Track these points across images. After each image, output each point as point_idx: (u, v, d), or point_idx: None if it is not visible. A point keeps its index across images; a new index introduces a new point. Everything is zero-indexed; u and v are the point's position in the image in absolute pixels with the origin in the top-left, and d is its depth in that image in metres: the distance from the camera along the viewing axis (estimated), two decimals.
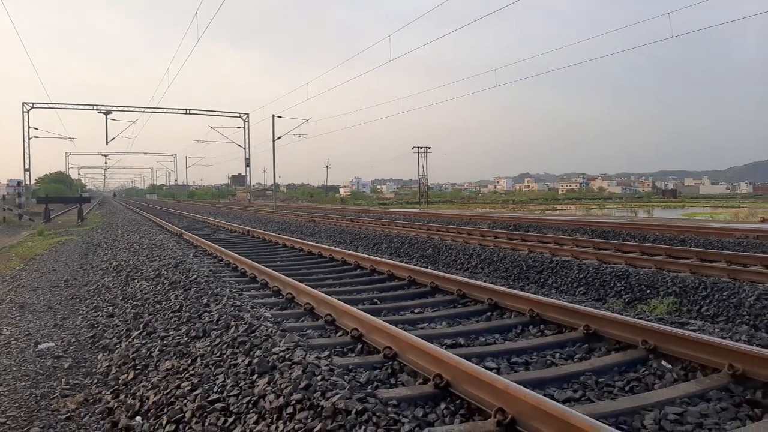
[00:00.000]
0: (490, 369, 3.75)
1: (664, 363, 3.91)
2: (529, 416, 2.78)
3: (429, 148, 69.87)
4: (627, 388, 3.58)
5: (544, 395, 3.09)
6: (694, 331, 4.71)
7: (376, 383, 3.67)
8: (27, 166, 50.19)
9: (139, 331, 5.89)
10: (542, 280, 10.20)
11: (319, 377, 3.43)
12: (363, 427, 2.81)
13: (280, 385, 3.44)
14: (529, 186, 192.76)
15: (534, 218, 23.70)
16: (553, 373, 3.82)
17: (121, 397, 4.38)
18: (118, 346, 5.82)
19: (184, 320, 5.75)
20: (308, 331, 5.02)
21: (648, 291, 8.48)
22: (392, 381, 3.75)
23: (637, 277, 8.91)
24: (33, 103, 50.30)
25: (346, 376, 3.60)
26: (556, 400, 3.17)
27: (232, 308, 5.62)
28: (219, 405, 3.53)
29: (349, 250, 11.55)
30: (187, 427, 3.46)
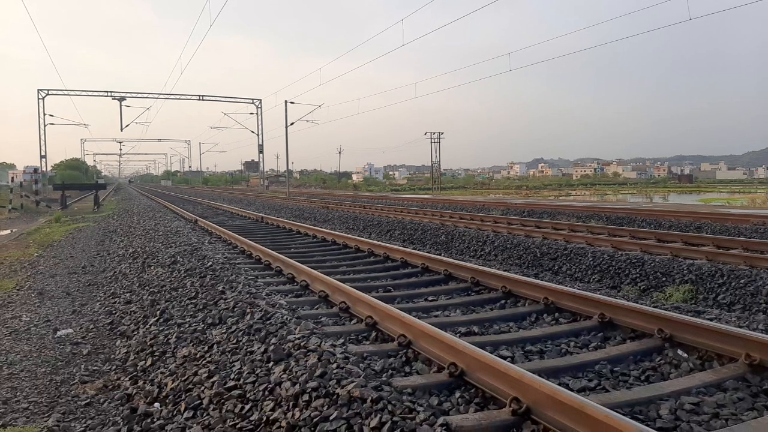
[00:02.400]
0: (505, 357, 3.76)
1: (680, 352, 3.90)
2: (544, 405, 2.79)
3: (442, 133, 69.52)
4: (642, 378, 3.57)
5: (559, 384, 3.10)
6: (711, 319, 4.68)
7: (390, 371, 3.70)
8: (43, 153, 50.64)
9: (156, 318, 5.97)
10: (556, 268, 10.16)
11: (335, 365, 3.46)
12: (378, 415, 2.83)
13: (296, 372, 3.47)
14: (543, 171, 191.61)
15: (548, 204, 23.57)
16: (567, 361, 3.82)
17: (140, 383, 4.45)
18: (135, 332, 5.90)
19: (201, 307, 5.81)
20: (323, 319, 5.05)
21: (664, 279, 8.42)
22: (407, 369, 3.77)
23: (652, 264, 8.85)
24: (48, 90, 50.64)
25: (361, 364, 3.62)
26: (571, 390, 3.18)
27: (248, 295, 5.67)
28: (236, 392, 3.57)
29: (362, 237, 11.58)
30: (204, 414, 3.51)
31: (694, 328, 3.96)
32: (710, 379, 3.36)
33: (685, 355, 3.86)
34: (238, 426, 3.22)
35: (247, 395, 3.49)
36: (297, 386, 3.28)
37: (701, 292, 7.81)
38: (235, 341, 4.47)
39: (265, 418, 3.17)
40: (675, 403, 3.06)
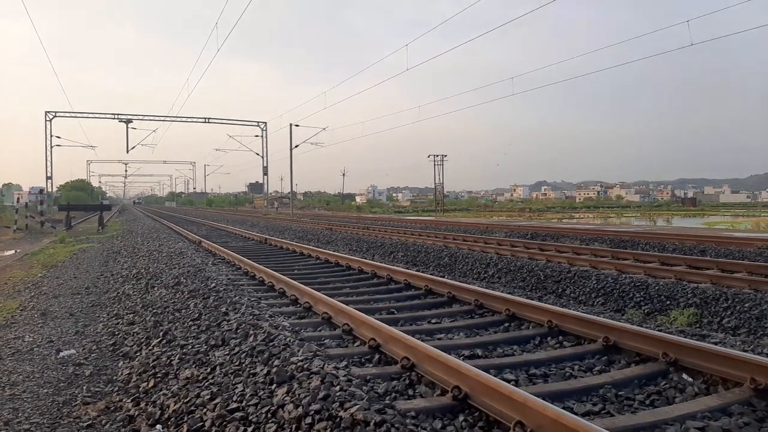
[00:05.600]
0: (509, 381, 3.74)
1: (684, 376, 3.88)
2: (549, 430, 2.77)
3: (445, 155, 69.72)
4: (647, 402, 3.55)
5: (563, 408, 3.08)
6: (716, 343, 4.66)
7: (394, 394, 3.68)
8: (49, 174, 51.03)
9: (159, 339, 5.96)
10: (560, 290, 10.13)
11: (338, 388, 3.45)
12: None
13: (299, 395, 3.46)
14: (546, 194, 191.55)
15: (551, 227, 23.57)
16: (572, 385, 3.80)
17: (142, 405, 4.43)
18: (138, 354, 5.88)
19: (204, 329, 5.81)
20: (326, 341, 5.03)
21: (668, 302, 8.39)
22: (410, 392, 3.75)
23: (656, 287, 8.82)
24: (55, 112, 51.17)
25: (364, 387, 3.61)
26: (576, 414, 3.16)
27: (251, 317, 5.66)
28: (238, 414, 3.56)
29: (366, 258, 11.58)
30: None
31: (699, 352, 3.94)
32: (715, 404, 3.34)
33: (690, 379, 3.84)
34: None
35: (250, 418, 3.48)
36: (300, 409, 3.27)
37: (706, 316, 7.77)
38: (237, 363, 4.46)
39: None
40: (680, 427, 3.04)
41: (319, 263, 11.31)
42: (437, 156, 69.20)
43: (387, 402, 3.36)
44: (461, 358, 4.32)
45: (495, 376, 3.62)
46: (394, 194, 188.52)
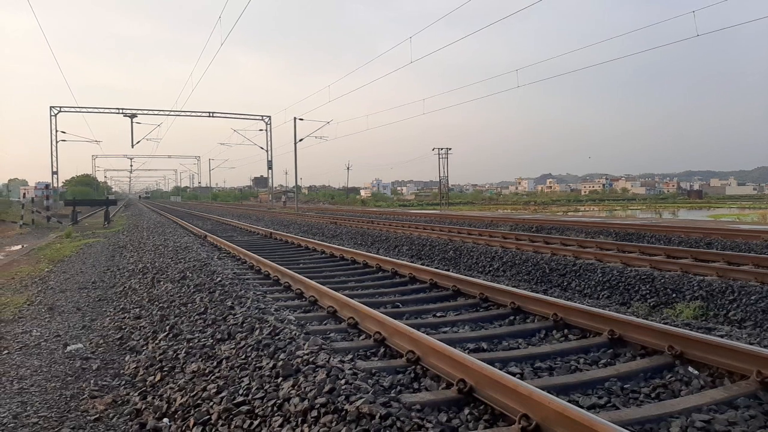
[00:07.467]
0: (514, 374, 3.75)
1: (690, 369, 3.87)
2: (554, 423, 2.77)
3: (450, 149, 69.71)
4: (653, 395, 3.55)
5: (569, 401, 3.09)
6: (722, 336, 4.66)
7: (399, 387, 3.69)
8: (55, 169, 51.26)
9: (166, 333, 5.98)
10: (565, 284, 10.12)
11: (343, 381, 3.46)
12: (387, 431, 2.83)
13: (305, 388, 3.47)
14: (551, 187, 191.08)
15: (556, 220, 23.51)
16: (577, 378, 3.80)
17: (149, 398, 4.46)
18: (145, 348, 5.91)
19: (210, 322, 5.83)
20: (331, 334, 5.05)
21: (674, 295, 8.37)
22: (415, 385, 3.76)
23: (662, 280, 8.80)
24: (60, 107, 51.32)
25: (369, 380, 3.62)
26: (581, 407, 3.16)
27: (257, 311, 5.68)
28: (245, 408, 3.57)
29: (371, 252, 11.60)
30: (213, 430, 3.51)
31: (705, 345, 3.93)
32: (721, 397, 3.33)
33: (696, 372, 3.83)
34: None
35: (256, 411, 3.49)
36: (306, 402, 3.29)
37: (712, 309, 7.75)
38: (243, 357, 4.48)
39: None
40: (686, 420, 3.04)
41: (324, 257, 11.33)
42: (442, 149, 69.16)
43: (392, 395, 3.37)
44: (466, 351, 4.33)
45: (500, 369, 3.63)
46: (398, 188, 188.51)
